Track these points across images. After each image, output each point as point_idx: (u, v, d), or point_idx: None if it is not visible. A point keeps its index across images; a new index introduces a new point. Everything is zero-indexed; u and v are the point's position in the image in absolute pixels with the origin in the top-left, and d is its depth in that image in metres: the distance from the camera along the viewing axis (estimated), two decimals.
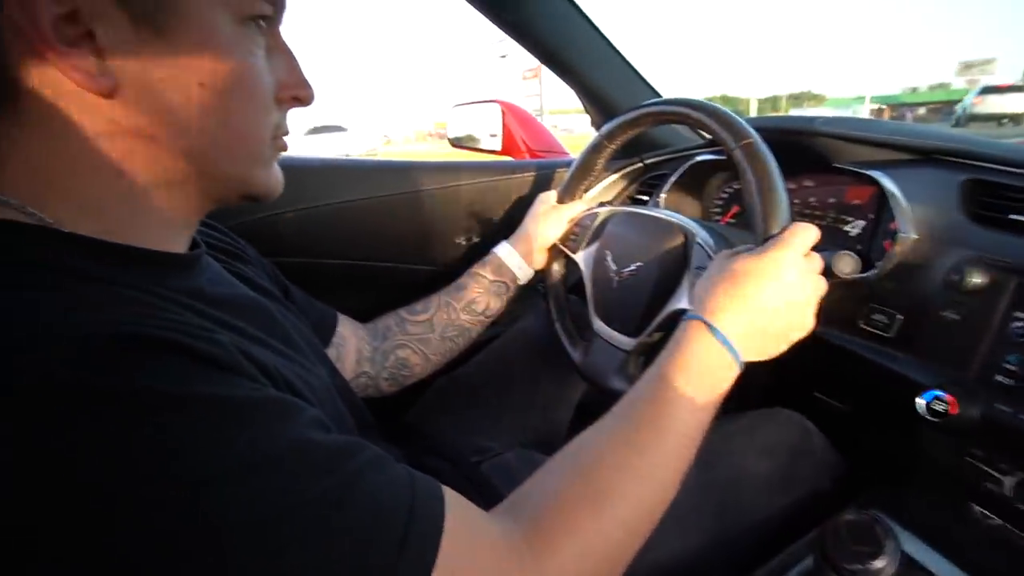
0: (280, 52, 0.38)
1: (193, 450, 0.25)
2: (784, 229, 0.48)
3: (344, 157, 1.04)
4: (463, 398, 0.78)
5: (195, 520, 0.24)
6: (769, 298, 0.45)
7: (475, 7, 0.86)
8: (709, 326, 0.44)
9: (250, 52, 0.35)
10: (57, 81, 0.30)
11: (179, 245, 0.39)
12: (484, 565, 0.31)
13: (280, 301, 0.52)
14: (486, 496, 0.37)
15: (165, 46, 0.31)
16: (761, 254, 0.46)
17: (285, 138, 0.41)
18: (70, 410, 0.23)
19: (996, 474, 0.49)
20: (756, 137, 0.52)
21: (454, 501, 0.32)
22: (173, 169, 0.35)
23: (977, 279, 0.52)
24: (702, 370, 0.43)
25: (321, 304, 0.65)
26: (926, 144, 0.65)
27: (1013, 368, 0.50)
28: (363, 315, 0.74)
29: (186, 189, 0.36)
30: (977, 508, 0.51)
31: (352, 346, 0.66)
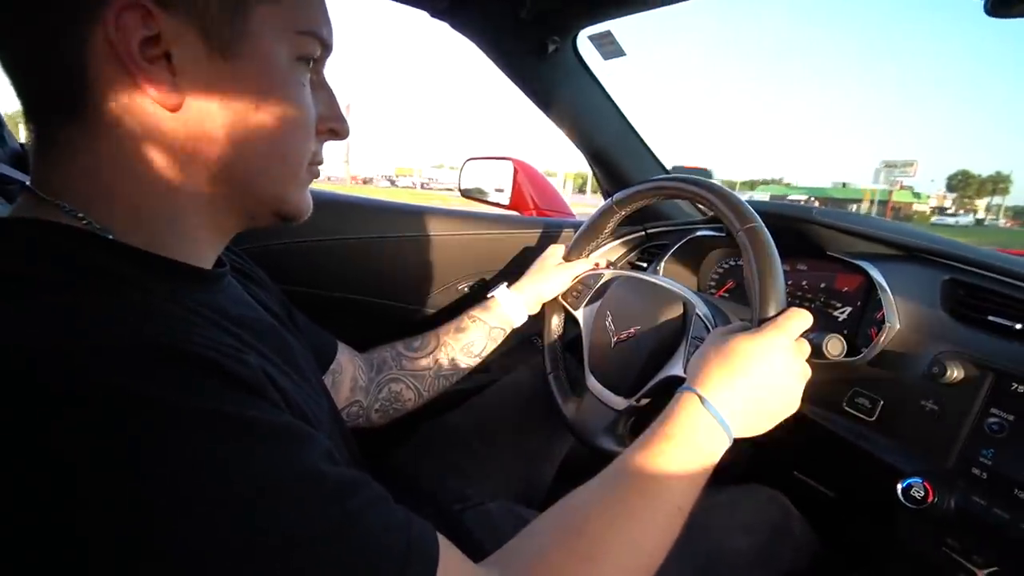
0: (322, 88, 0.42)
1: (216, 468, 0.26)
2: (780, 312, 0.51)
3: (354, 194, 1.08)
4: (450, 443, 0.78)
5: (204, 536, 0.25)
6: (761, 377, 0.47)
7: (505, 73, 0.93)
8: (702, 399, 0.46)
9: (300, 84, 0.38)
10: (130, 94, 0.32)
11: (207, 262, 0.40)
12: None
13: (286, 325, 0.53)
14: (465, 545, 0.37)
15: (231, 72, 0.34)
16: (756, 334, 0.49)
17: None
18: (104, 415, 0.24)
19: (971, 566, 0.50)
20: (760, 223, 0.56)
21: (446, 548, 0.33)
22: (218, 183, 0.37)
23: (956, 373, 0.55)
24: (694, 441, 0.44)
25: (323, 331, 0.66)
26: (912, 242, 0.69)
27: (988, 462, 0.52)
28: (359, 349, 0.75)
29: (225, 204, 0.38)
30: None
31: (349, 375, 0.67)
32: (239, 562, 0.25)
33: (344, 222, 0.95)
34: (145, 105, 0.33)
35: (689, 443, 0.44)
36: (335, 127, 0.43)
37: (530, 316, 0.79)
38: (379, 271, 1.00)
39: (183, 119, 0.34)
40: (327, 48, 0.40)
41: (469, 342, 0.75)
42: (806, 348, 0.51)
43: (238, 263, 0.53)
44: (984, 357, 0.55)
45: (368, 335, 0.77)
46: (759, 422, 0.49)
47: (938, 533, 0.53)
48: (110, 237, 0.33)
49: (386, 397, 0.70)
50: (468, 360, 0.75)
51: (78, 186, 0.33)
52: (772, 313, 0.51)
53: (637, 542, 0.39)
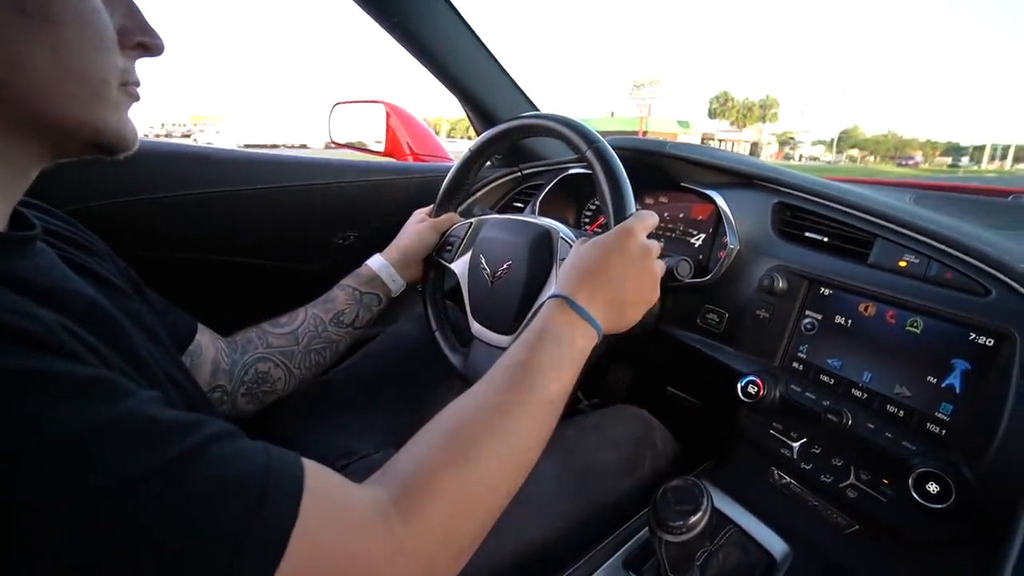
0: None
1: (9, 425, 0.23)
2: (630, 215, 0.56)
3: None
4: (332, 402, 0.76)
5: (12, 495, 0.22)
6: (616, 268, 0.52)
7: (361, 7, 0.86)
8: (567, 299, 0.49)
9: None
10: None
11: None
12: (349, 527, 0.31)
13: (129, 298, 0.48)
14: None
15: None
16: (608, 235, 0.54)
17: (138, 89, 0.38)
18: None
19: (788, 441, 0.61)
20: (602, 141, 0.60)
21: (314, 469, 0.32)
22: None
23: (781, 284, 0.64)
24: (562, 338, 0.47)
25: (179, 310, 0.60)
26: (748, 170, 0.77)
27: (803, 356, 0.62)
28: (231, 315, 0.70)
29: (12, 136, 0.33)
30: (776, 471, 0.62)
31: (209, 356, 0.62)
32: (65, 516, 0.23)
33: (203, 176, 0.85)
34: None
35: (557, 340, 0.47)
36: (143, 40, 0.38)
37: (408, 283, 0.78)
38: (245, 228, 0.92)
39: None
40: None
41: (339, 311, 0.72)
42: (656, 246, 0.56)
43: (64, 229, 0.46)
44: (801, 268, 0.64)
45: (237, 298, 0.71)
46: (623, 313, 0.53)
47: (767, 420, 0.63)
48: None
49: (252, 379, 0.65)
50: (339, 331, 0.72)
51: None
52: (619, 208, 0.56)
53: (510, 437, 0.40)
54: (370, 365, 0.81)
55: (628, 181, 0.58)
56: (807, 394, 0.59)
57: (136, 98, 0.38)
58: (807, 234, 0.67)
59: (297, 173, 0.94)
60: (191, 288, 0.62)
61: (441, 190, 0.80)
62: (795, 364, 0.62)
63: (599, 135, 0.61)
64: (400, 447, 0.70)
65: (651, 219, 0.56)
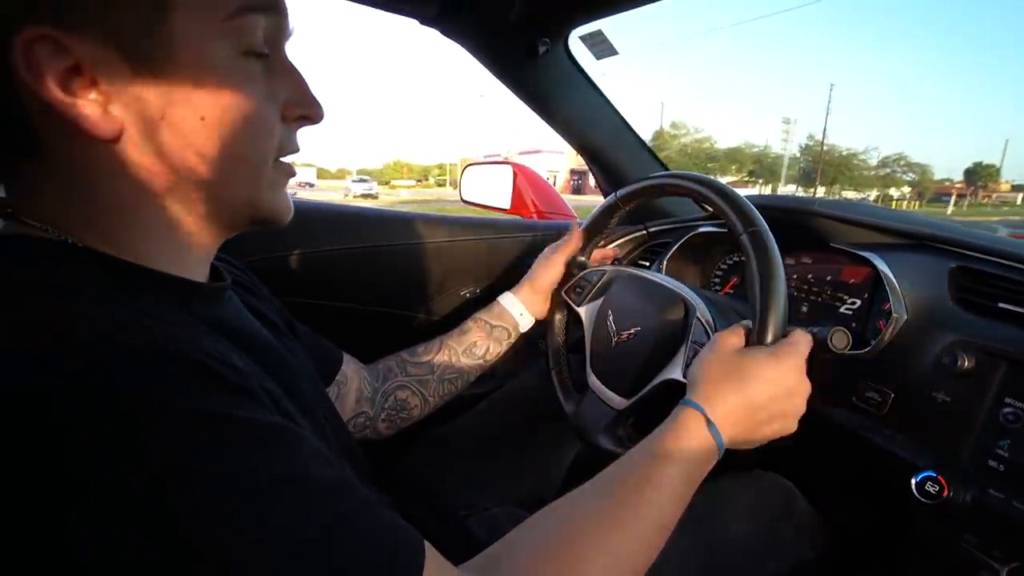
0: (285, 72, 0.39)
1: (200, 465, 0.26)
2: (788, 333, 0.50)
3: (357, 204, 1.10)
4: (457, 450, 0.78)
5: (187, 532, 0.25)
6: (768, 401, 0.47)
7: (496, 76, 0.93)
8: (708, 420, 0.45)
9: (250, 80, 0.36)
10: (70, 130, 0.31)
11: (199, 274, 0.40)
12: None
13: (286, 337, 0.54)
14: (470, 550, 0.38)
15: (164, 85, 0.33)
16: (769, 357, 0.48)
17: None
18: (90, 414, 0.24)
19: (992, 562, 0.49)
20: (763, 226, 0.53)
21: (432, 556, 0.33)
22: (183, 199, 0.36)
23: (967, 363, 0.54)
24: (689, 458, 0.44)
25: (327, 342, 0.66)
26: (917, 230, 0.68)
27: (1005, 454, 0.50)
28: (364, 358, 0.75)
29: (197, 217, 0.38)
30: None
31: (354, 386, 0.67)
32: (226, 559, 0.25)
33: (345, 232, 0.96)
34: (86, 137, 0.32)
35: (684, 459, 0.44)
36: (306, 112, 0.41)
37: (537, 320, 0.78)
38: (382, 280, 1.00)
39: (129, 143, 0.33)
40: (277, 21, 0.37)
41: (471, 343, 0.74)
42: (807, 386, 0.50)
43: (240, 277, 0.53)
44: (996, 346, 0.53)
45: (373, 343, 0.77)
46: (754, 439, 0.48)
47: (956, 528, 0.52)
48: (86, 246, 0.34)
49: (392, 406, 0.70)
50: (471, 362, 0.74)
51: (53, 214, 0.34)
52: (775, 327, 0.50)
53: (621, 551, 0.39)
54: (494, 417, 0.82)
55: (784, 280, 0.51)
56: (1015, 504, 0.47)
57: (291, 174, 0.42)
58: (1002, 305, 0.57)
59: (427, 230, 1.02)
60: (329, 332, 0.67)
61: (581, 228, 0.79)
62: (992, 463, 0.51)
63: (760, 217, 0.54)
64: (518, 503, 0.70)
65: (809, 344, 0.50)
